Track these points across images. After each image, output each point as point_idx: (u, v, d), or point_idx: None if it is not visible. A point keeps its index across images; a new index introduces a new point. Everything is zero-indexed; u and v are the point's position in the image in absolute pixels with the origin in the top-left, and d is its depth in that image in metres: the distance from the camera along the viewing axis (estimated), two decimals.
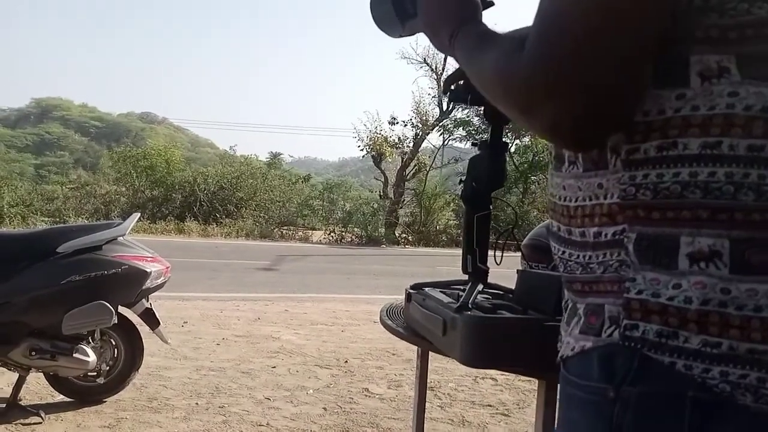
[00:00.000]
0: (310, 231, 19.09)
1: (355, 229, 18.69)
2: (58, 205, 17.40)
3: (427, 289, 1.36)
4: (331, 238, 18.06)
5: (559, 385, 0.72)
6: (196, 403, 3.17)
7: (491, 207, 1.20)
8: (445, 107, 20.95)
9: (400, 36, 1.01)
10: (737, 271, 0.55)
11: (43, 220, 14.85)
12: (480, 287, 1.19)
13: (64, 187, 19.53)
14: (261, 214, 18.59)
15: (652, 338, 0.58)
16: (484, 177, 1.18)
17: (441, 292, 1.30)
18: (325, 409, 3.22)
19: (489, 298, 1.25)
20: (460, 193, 1.24)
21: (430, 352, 1.68)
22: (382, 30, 1.00)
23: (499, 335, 1.05)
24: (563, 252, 0.70)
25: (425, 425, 2.18)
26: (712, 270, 0.55)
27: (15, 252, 2.87)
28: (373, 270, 10.49)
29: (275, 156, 31.58)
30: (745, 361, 0.55)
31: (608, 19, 0.53)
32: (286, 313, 5.83)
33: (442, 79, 21.03)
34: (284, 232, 18.11)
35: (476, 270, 1.21)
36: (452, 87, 1.13)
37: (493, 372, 4.11)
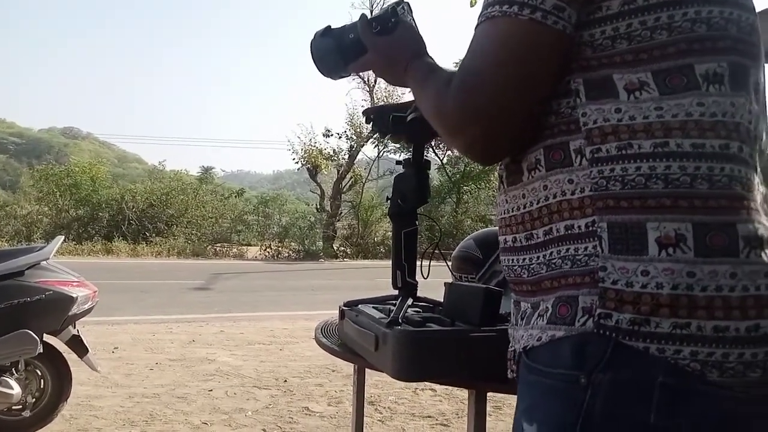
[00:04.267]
0: (245, 247, 18.78)
1: (292, 244, 18.52)
2: None
3: (360, 305, 1.39)
4: (267, 253, 17.81)
5: (520, 375, 0.75)
6: None
7: (417, 223, 1.25)
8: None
9: (341, 77, 1.08)
10: (701, 254, 0.62)
11: None
12: (410, 301, 1.23)
13: None
14: (193, 232, 18.13)
15: (625, 326, 0.63)
16: (410, 194, 1.22)
17: (373, 307, 1.34)
18: (264, 430, 3.18)
19: (419, 312, 1.29)
20: (387, 211, 1.28)
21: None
22: (323, 72, 1.05)
23: (428, 348, 1.09)
24: (522, 259, 0.76)
25: None
26: (679, 255, 0.62)
27: None
28: (311, 285, 10.43)
29: (207, 170, 30.94)
30: (711, 340, 0.62)
31: (508, 70, 0.69)
32: (221, 334, 5.71)
33: (374, 91, 21.15)
34: (218, 249, 17.71)
35: (406, 285, 1.25)
36: (371, 117, 1.18)
37: (432, 383, 4.16)
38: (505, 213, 0.80)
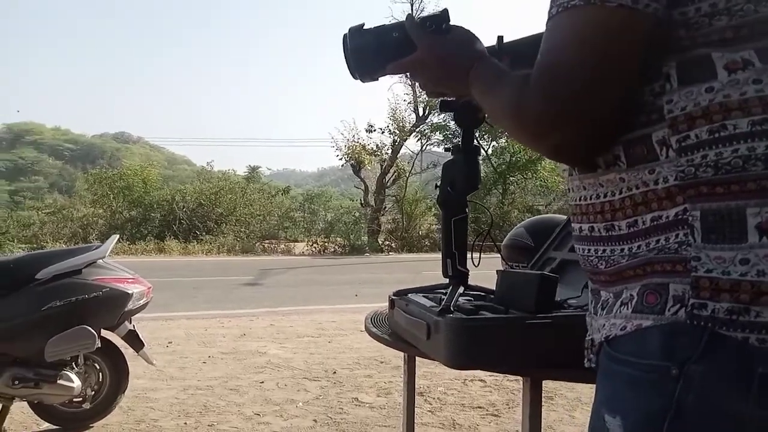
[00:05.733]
0: (292, 243, 19.01)
1: (338, 239, 18.65)
2: (35, 231, 17.14)
3: (410, 294, 1.37)
4: (313, 249, 17.99)
5: (600, 365, 0.72)
6: (185, 423, 3.14)
7: (467, 210, 1.22)
8: (421, 113, 21.03)
9: (372, 80, 1.02)
10: None
11: (20, 247, 14.59)
12: (461, 289, 1.21)
13: (40, 213, 19.24)
14: (242, 229, 18.45)
15: (722, 316, 0.59)
16: (459, 181, 1.19)
17: (424, 296, 1.31)
18: (315, 421, 3.21)
19: (471, 300, 1.26)
20: (436, 198, 1.25)
21: (417, 358, 1.69)
22: (355, 72, 0.99)
23: (481, 336, 1.06)
24: (601, 250, 0.72)
25: (416, 431, 2.19)
26: None
27: None
28: (357, 279, 10.47)
29: (253, 169, 31.40)
30: None
31: (601, 63, 0.64)
32: (271, 327, 5.79)
33: (416, 85, 21.10)
34: (266, 245, 18.00)
35: (457, 273, 1.22)
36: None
37: (481, 374, 4.13)
38: (581, 200, 0.75)
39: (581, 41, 0.64)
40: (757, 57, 0.62)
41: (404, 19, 0.96)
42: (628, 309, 0.67)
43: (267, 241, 18.46)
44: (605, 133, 0.67)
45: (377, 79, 1.04)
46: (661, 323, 0.63)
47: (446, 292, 1.24)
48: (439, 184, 1.23)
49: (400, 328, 1.34)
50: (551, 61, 0.66)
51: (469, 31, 0.92)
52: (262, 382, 3.91)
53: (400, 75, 1.05)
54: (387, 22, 1.02)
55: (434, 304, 1.20)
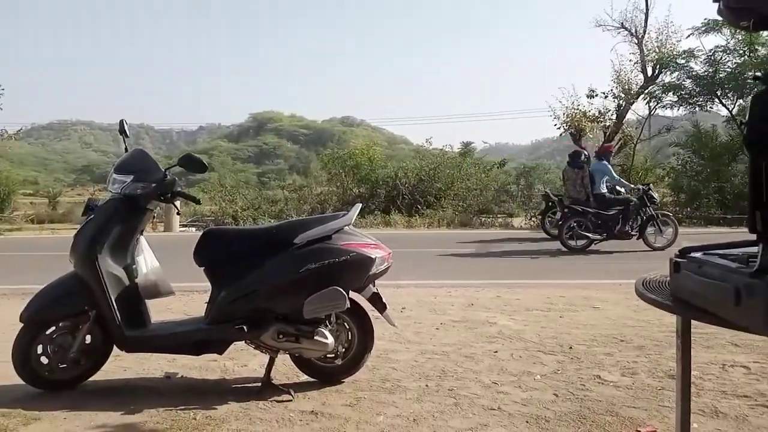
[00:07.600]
0: (509, 217, 18.77)
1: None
2: (281, 207, 19.32)
3: (697, 254, 1.20)
4: (532, 223, 17.54)
5: None
6: (426, 386, 3.25)
7: None
8: (650, 72, 19.11)
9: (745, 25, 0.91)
10: None
11: (269, 221, 16.58)
12: None
13: (284, 191, 21.66)
14: (459, 203, 18.74)
15: None
16: None
17: (720, 257, 1.13)
18: (556, 395, 3.09)
19: None
20: (742, 138, 1.06)
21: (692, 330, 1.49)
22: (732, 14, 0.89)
23: None
24: None
25: (668, 415, 1.93)
26: None
27: (260, 245, 3.19)
28: (584, 254, 9.94)
29: (467, 145, 31.56)
30: None
31: None
32: (498, 299, 5.76)
33: (644, 42, 19.10)
34: (483, 219, 18.03)
35: None
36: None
37: (744, 359, 3.62)
38: None
39: None
40: None
41: None
42: None
43: (484, 216, 18.48)
44: None
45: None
46: None
47: (750, 252, 1.05)
48: (744, 121, 1.03)
49: (690, 293, 1.17)
50: None
51: None
52: (496, 352, 3.89)
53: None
54: None
55: (740, 265, 1.02)
